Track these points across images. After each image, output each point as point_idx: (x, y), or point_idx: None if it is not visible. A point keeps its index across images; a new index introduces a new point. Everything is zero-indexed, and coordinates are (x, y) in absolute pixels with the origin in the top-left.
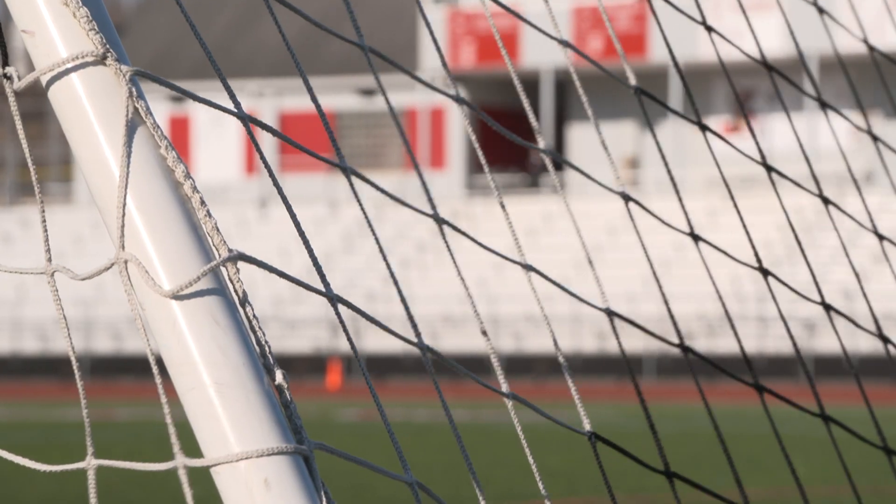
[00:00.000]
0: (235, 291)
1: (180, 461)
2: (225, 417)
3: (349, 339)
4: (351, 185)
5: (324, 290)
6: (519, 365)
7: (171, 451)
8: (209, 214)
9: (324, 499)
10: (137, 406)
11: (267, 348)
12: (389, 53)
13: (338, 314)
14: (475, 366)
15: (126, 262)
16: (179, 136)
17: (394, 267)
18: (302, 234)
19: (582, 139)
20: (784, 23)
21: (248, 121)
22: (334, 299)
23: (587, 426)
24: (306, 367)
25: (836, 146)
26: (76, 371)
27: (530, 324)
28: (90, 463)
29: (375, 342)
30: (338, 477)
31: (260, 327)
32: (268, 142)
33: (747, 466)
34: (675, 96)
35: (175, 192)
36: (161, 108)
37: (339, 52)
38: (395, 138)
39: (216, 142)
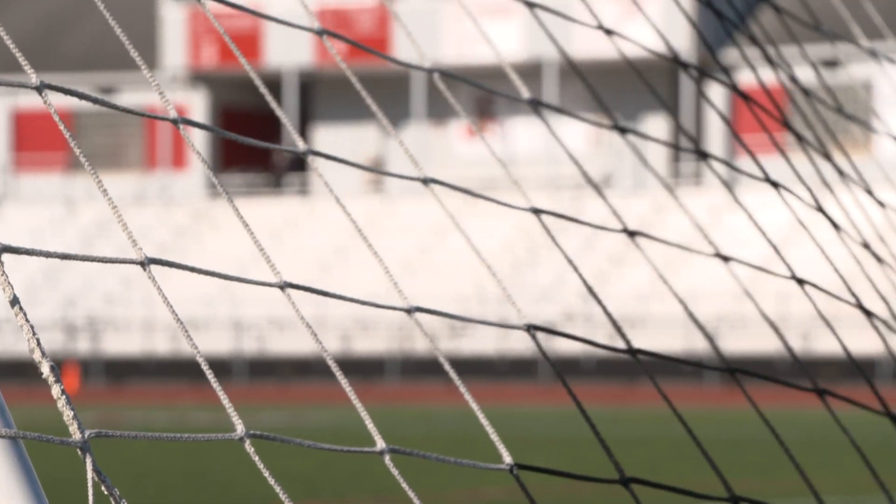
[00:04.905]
0: (9, 285)
1: None
2: None
3: None
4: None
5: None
6: (262, 367)
7: None
8: None
9: (111, 489)
10: None
11: (36, 341)
12: (128, 50)
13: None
14: (217, 368)
15: None
16: None
17: (134, 268)
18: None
19: (326, 140)
20: (524, 27)
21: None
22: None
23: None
24: (40, 370)
25: (576, 150)
26: None
27: (274, 326)
28: None
29: (114, 345)
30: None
31: (28, 320)
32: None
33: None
34: (418, 98)
35: None
36: None
37: (77, 49)
38: (136, 138)
39: None
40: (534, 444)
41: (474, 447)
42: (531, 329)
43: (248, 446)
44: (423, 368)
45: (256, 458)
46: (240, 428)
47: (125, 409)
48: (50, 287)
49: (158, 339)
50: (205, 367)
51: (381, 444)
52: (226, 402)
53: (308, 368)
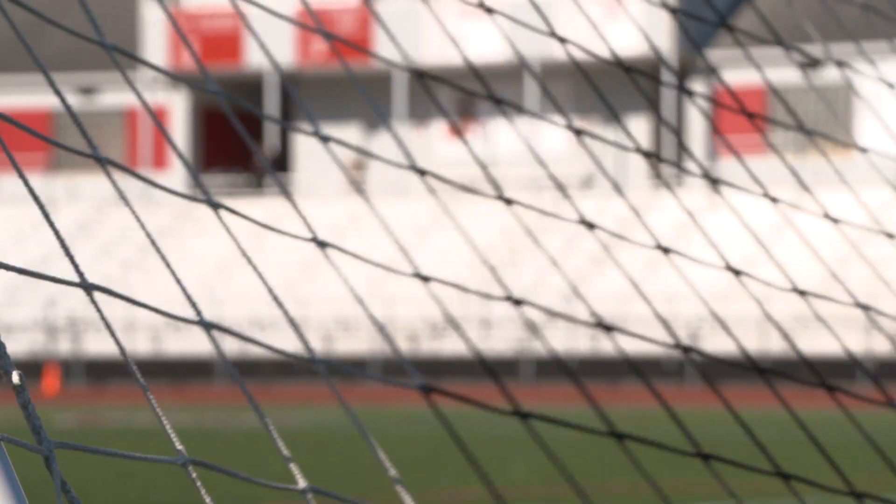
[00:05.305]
0: None
1: None
2: None
3: None
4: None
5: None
6: (244, 368)
7: None
8: None
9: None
10: None
11: (2, 349)
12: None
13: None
14: (198, 369)
15: None
16: None
17: (115, 269)
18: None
19: (307, 141)
20: (506, 28)
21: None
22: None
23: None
24: (21, 371)
25: (557, 150)
26: None
27: (256, 327)
28: None
29: (95, 345)
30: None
31: None
32: None
33: (468, 468)
34: (400, 99)
35: None
36: None
37: (57, 48)
38: (116, 139)
39: None
40: (516, 445)
41: (457, 448)
42: (424, 389)
43: (191, 471)
44: (404, 369)
45: (199, 484)
46: (181, 453)
47: (106, 410)
48: (31, 288)
49: (139, 339)
50: (137, 374)
51: (302, 483)
52: (168, 427)
53: (290, 369)
